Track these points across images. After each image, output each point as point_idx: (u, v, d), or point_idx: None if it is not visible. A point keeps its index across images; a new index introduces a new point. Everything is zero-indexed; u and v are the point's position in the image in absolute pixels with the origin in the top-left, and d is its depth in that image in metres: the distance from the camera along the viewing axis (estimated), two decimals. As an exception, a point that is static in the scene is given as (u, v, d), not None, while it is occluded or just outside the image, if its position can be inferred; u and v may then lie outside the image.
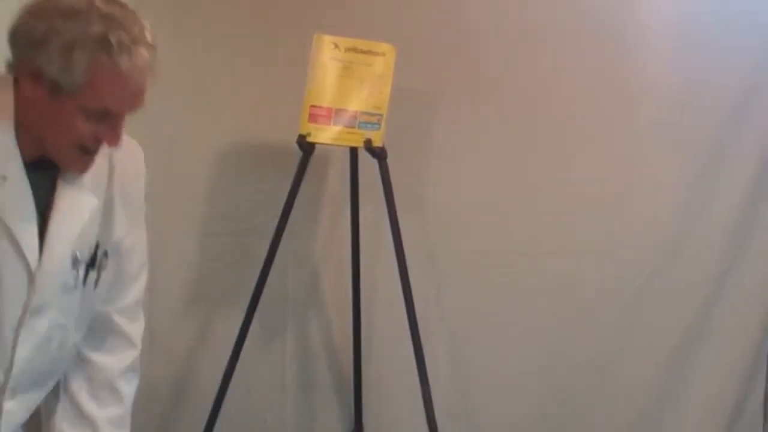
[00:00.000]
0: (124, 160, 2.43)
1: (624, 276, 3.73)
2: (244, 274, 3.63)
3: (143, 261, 2.57)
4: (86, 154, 2.23)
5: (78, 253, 2.29)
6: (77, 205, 2.28)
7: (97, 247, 2.34)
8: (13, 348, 2.25)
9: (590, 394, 3.74)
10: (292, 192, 3.49)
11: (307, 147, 3.50)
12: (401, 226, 3.53)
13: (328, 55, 3.44)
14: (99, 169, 2.34)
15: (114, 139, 2.21)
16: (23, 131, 2.20)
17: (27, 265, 2.17)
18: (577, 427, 3.74)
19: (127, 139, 2.36)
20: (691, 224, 3.68)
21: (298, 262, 3.89)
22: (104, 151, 2.30)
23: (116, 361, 2.55)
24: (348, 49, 3.51)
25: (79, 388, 2.50)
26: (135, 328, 2.59)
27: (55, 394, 2.51)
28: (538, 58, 3.78)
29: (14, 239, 2.17)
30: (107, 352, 2.54)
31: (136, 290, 2.57)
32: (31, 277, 2.22)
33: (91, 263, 2.30)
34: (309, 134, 3.49)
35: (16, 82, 2.20)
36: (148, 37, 2.15)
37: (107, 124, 2.19)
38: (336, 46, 3.47)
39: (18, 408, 2.34)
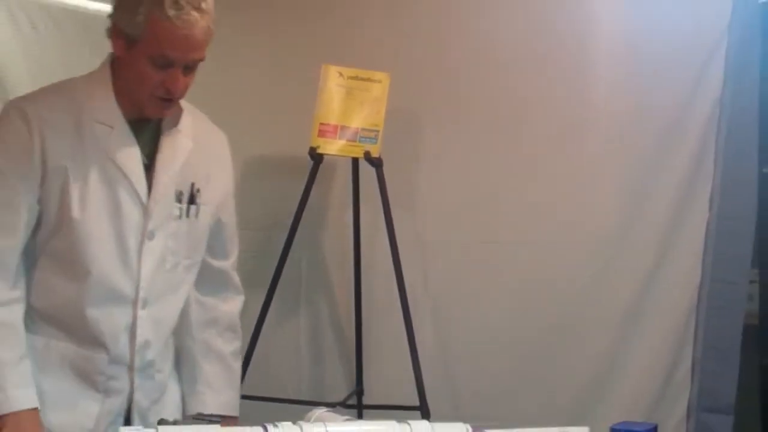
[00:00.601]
0: (208, 136, 2.69)
1: (578, 263, 3.76)
2: (265, 261, 3.80)
3: (235, 230, 2.80)
4: (161, 100, 2.45)
5: (180, 189, 2.52)
6: (176, 147, 2.54)
7: (192, 186, 2.54)
8: (138, 266, 2.48)
9: (550, 360, 3.78)
10: (304, 194, 3.67)
11: (317, 157, 3.67)
12: (394, 222, 3.69)
13: (334, 82, 3.63)
14: (186, 135, 2.59)
15: (176, 86, 2.42)
16: (120, 95, 2.47)
17: (139, 197, 2.44)
18: (539, 387, 3.76)
19: (212, 125, 2.72)
20: (632, 222, 3.70)
21: (310, 251, 4.04)
22: (188, 129, 2.58)
23: (233, 307, 2.83)
24: (350, 77, 3.68)
25: (208, 329, 2.76)
26: (239, 281, 2.85)
27: (189, 335, 2.75)
28: (508, 83, 3.86)
29: (126, 177, 2.44)
30: (226, 301, 2.81)
31: (236, 252, 2.82)
32: (143, 207, 2.47)
33: (191, 199, 2.52)
34: (318, 147, 3.67)
35: (111, 60, 2.52)
36: (203, 5, 2.37)
37: (170, 72, 2.40)
38: (340, 74, 3.66)
39: (148, 316, 2.54)
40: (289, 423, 2.23)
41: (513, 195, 3.88)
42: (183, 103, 2.58)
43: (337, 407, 2.86)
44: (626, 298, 3.74)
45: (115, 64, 2.53)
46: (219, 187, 2.68)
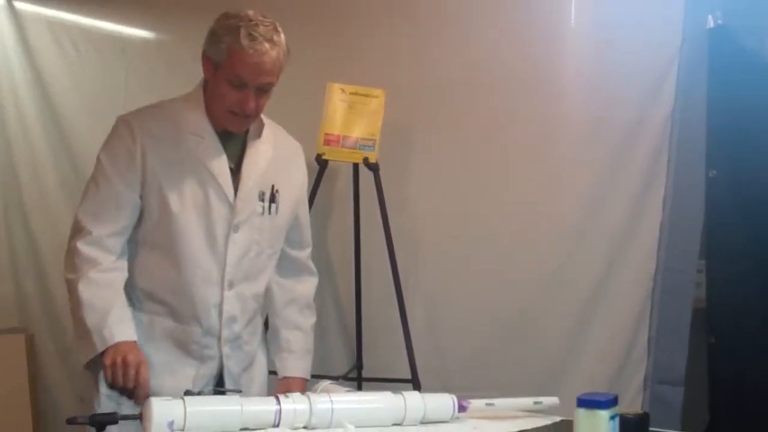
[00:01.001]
0: (285, 145, 2.93)
1: (549, 254, 3.84)
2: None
3: (308, 225, 3.05)
4: (237, 117, 2.68)
5: (262, 190, 2.77)
6: (259, 154, 2.76)
7: (273, 187, 2.80)
8: (225, 253, 2.71)
9: (524, 339, 3.86)
10: (312, 194, 3.73)
11: (322, 163, 3.82)
12: (389, 217, 3.81)
13: (337, 97, 3.76)
14: (267, 145, 2.82)
15: (248, 105, 2.64)
16: (209, 112, 2.71)
17: (226, 196, 2.65)
18: (515, 362, 3.82)
19: (288, 137, 2.96)
20: (597, 219, 3.77)
21: (316, 245, 4.05)
22: (269, 140, 2.82)
23: (309, 288, 3.07)
24: (351, 93, 3.81)
25: (289, 307, 3.00)
26: (313, 266, 3.10)
27: (274, 312, 2.99)
28: (487, 100, 3.96)
29: (215, 179, 2.66)
30: (302, 282, 3.05)
31: (310, 243, 3.07)
32: (230, 205, 2.70)
33: (272, 199, 2.73)
34: (324, 153, 3.82)
35: (204, 83, 2.74)
36: (275, 38, 2.61)
37: (244, 93, 2.62)
38: (342, 91, 3.79)
39: (233, 296, 2.76)
40: (299, 393, 2.43)
41: (491, 195, 3.96)
42: (264, 118, 2.81)
43: (340, 380, 2.96)
44: (591, 284, 3.79)
45: (205, 86, 2.75)
46: (295, 188, 2.91)
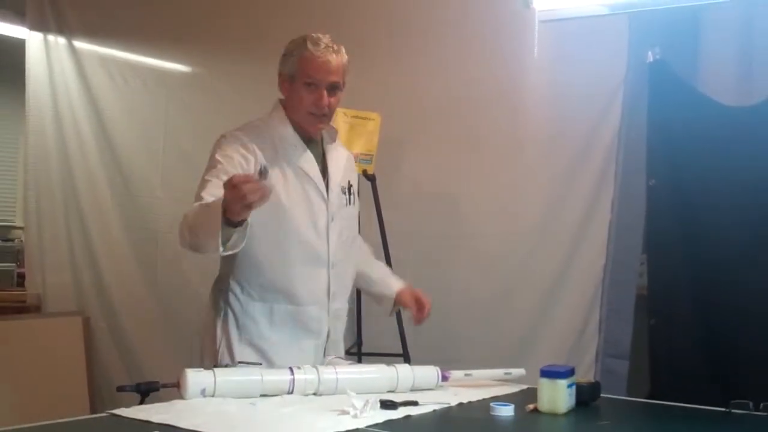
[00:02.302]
0: (346, 153, 2.95)
1: (514, 247, 3.86)
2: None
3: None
4: (315, 116, 2.71)
5: (343, 185, 2.82)
6: (338, 157, 2.81)
7: (349, 182, 2.86)
8: (327, 238, 2.73)
9: (495, 318, 3.86)
10: None
11: None
12: (384, 219, 3.86)
13: (340, 119, 3.72)
14: (341, 148, 2.90)
15: (322, 102, 2.67)
16: (292, 124, 2.73)
17: (321, 192, 2.68)
18: (488, 338, 3.83)
19: (345, 150, 2.97)
20: (554, 219, 3.78)
21: None
22: (341, 145, 2.90)
23: (370, 251, 3.16)
24: (352, 116, 3.80)
25: (364, 260, 3.06)
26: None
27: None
28: (466, 118, 3.97)
29: (311, 179, 2.73)
30: (363, 247, 3.10)
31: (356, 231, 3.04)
32: (325, 199, 2.73)
33: (350, 191, 2.78)
34: None
35: (281, 104, 2.77)
36: (335, 47, 2.67)
37: (318, 92, 2.66)
38: (345, 114, 3.76)
39: (335, 274, 2.76)
40: (309, 365, 2.43)
41: (468, 198, 3.98)
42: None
43: (343, 355, 3.00)
44: (552, 273, 3.80)
45: (283, 104, 2.77)
46: (355, 184, 2.93)
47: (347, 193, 2.83)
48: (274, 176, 2.60)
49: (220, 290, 2.75)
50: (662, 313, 3.39)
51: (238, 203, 2.20)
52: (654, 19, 3.51)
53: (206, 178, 2.60)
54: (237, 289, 2.71)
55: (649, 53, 3.42)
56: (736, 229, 3.22)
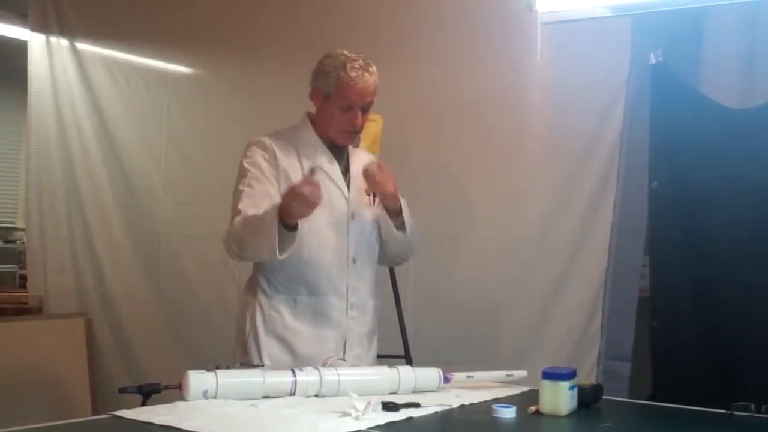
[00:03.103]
0: (366, 159, 3.02)
1: (516, 253, 3.83)
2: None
3: None
4: (349, 133, 2.89)
5: (366, 187, 2.89)
6: (361, 160, 2.92)
7: None
8: (347, 234, 2.86)
9: (498, 321, 3.84)
10: None
11: None
12: None
13: None
14: (364, 152, 3.07)
15: (357, 121, 2.85)
16: (319, 131, 2.90)
17: (343, 193, 2.88)
18: (490, 341, 3.82)
19: (370, 154, 3.12)
20: (558, 221, 3.76)
21: None
22: (363, 150, 3.09)
23: None
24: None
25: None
26: None
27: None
28: (469, 121, 3.96)
29: (332, 180, 2.86)
30: None
31: None
32: (347, 199, 2.87)
33: (374, 193, 2.83)
34: None
35: (308, 115, 2.93)
36: (370, 68, 2.81)
37: (353, 113, 2.82)
38: None
39: (355, 268, 2.87)
40: (311, 367, 2.44)
41: (471, 200, 3.97)
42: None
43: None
44: (554, 275, 3.78)
45: (310, 116, 2.94)
46: None
47: (372, 195, 2.93)
48: (295, 177, 2.75)
49: (250, 288, 2.90)
50: (664, 315, 3.39)
51: (304, 206, 2.55)
52: (657, 21, 3.51)
53: (239, 188, 2.81)
54: (264, 284, 2.85)
55: (652, 55, 3.42)
56: (739, 231, 3.22)
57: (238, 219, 2.72)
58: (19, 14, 5.17)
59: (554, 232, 3.80)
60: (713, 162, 3.27)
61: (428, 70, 4.07)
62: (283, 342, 2.81)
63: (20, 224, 7.37)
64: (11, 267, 7.11)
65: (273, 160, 2.83)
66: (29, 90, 5.15)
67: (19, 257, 7.03)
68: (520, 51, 3.78)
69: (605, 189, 3.70)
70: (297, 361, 2.71)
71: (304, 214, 2.59)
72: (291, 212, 2.56)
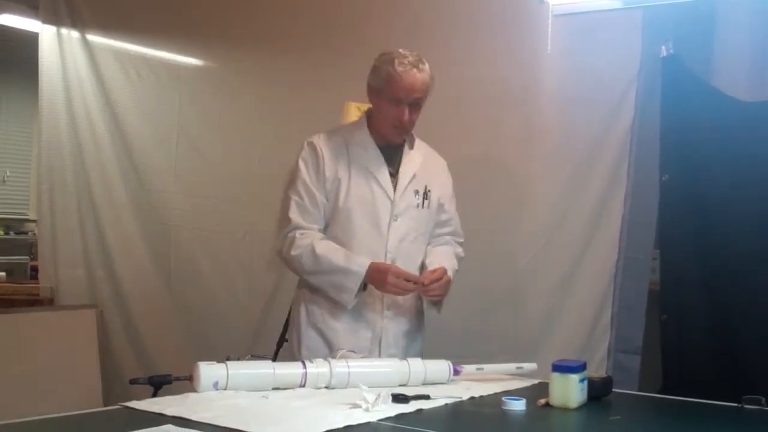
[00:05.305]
0: (434, 159, 3.13)
1: (527, 246, 3.84)
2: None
3: (458, 221, 3.21)
4: (397, 129, 2.93)
5: (417, 188, 2.98)
6: (412, 162, 2.96)
7: (425, 187, 3.01)
8: (387, 237, 2.91)
9: (509, 314, 3.83)
10: None
11: None
12: None
13: (353, 114, 3.60)
14: (418, 155, 3.05)
15: (404, 117, 2.88)
16: (373, 130, 2.98)
17: (386, 193, 2.93)
18: (501, 334, 3.79)
19: (436, 154, 3.16)
20: (568, 215, 3.76)
21: None
22: (419, 152, 3.05)
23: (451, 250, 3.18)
24: (363, 111, 3.69)
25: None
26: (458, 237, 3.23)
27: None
28: (477, 115, 3.94)
29: (377, 180, 2.93)
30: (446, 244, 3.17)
31: (454, 227, 3.20)
32: (391, 200, 2.92)
33: (425, 196, 2.92)
34: None
35: (367, 113, 3.03)
36: (420, 66, 2.86)
37: (401, 108, 2.86)
38: (358, 108, 3.60)
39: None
40: (322, 359, 2.45)
41: (481, 194, 3.88)
42: (418, 140, 3.07)
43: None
44: (565, 269, 3.78)
45: (369, 114, 3.02)
46: (439, 190, 3.08)
47: (420, 197, 2.97)
48: (344, 183, 2.90)
49: (300, 281, 3.01)
50: (674, 308, 3.38)
51: (386, 288, 2.80)
52: (668, 14, 3.51)
53: (289, 194, 2.94)
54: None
55: (663, 48, 3.42)
56: (749, 225, 3.21)
57: (305, 248, 2.86)
58: (30, 6, 5.17)
59: (564, 225, 3.80)
60: (724, 155, 3.26)
61: (438, 63, 3.74)
62: (322, 335, 2.92)
63: (32, 216, 7.40)
64: (23, 258, 7.13)
65: (321, 165, 2.91)
66: (40, 82, 5.15)
67: (30, 249, 7.06)
68: (530, 44, 3.76)
69: (616, 182, 3.69)
70: (334, 355, 2.71)
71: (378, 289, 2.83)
72: (370, 282, 2.81)
